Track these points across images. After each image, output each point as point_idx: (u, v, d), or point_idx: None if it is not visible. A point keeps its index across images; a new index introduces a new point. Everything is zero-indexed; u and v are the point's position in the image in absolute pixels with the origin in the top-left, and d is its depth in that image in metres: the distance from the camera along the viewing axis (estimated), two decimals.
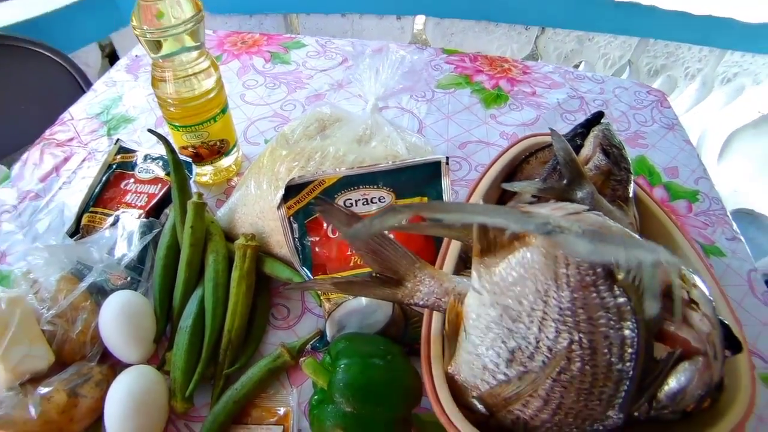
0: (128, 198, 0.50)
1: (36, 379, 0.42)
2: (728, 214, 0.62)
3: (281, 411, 0.42)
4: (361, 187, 0.41)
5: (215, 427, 0.40)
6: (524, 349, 0.30)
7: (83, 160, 0.58)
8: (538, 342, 0.30)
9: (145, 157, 0.52)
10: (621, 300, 0.27)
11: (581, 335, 0.28)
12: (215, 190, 0.54)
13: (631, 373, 0.30)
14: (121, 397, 0.40)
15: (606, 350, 0.29)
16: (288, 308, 0.46)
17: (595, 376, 0.30)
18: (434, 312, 0.36)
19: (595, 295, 0.27)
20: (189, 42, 0.45)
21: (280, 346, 0.42)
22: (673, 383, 0.33)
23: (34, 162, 0.58)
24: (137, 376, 0.41)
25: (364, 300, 0.40)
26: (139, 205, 0.49)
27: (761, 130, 1.05)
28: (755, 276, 0.55)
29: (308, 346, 0.43)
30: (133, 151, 0.53)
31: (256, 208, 0.46)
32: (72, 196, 0.54)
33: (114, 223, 0.49)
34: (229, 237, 0.48)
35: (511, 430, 0.34)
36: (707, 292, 0.34)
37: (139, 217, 0.48)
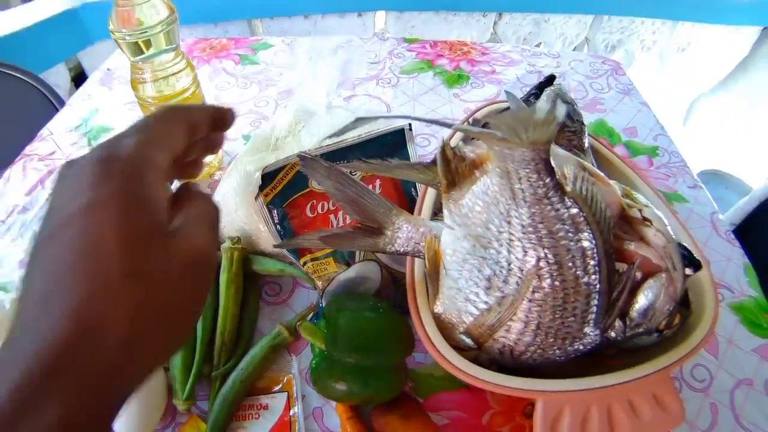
0: None
1: None
2: (688, 165, 0.67)
3: (284, 379, 0.44)
4: (337, 162, 0.45)
5: (224, 409, 0.42)
6: (499, 275, 0.34)
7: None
8: (509, 264, 0.33)
9: None
10: (574, 210, 0.31)
11: (546, 251, 0.32)
12: (199, 186, 0.57)
13: (598, 286, 0.34)
14: None
15: (570, 264, 0.33)
16: (280, 286, 0.49)
17: (566, 292, 0.34)
18: (415, 259, 0.39)
19: (549, 207, 0.31)
20: (166, 43, 0.48)
21: (278, 325, 0.45)
22: (641, 300, 0.37)
23: (17, 178, 0.60)
24: None
25: (352, 271, 0.43)
26: None
27: (719, 96, 1.12)
28: (717, 218, 0.60)
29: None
30: None
31: (240, 213, 0.48)
32: None
33: None
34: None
35: (501, 359, 0.37)
36: (657, 213, 0.38)
37: None
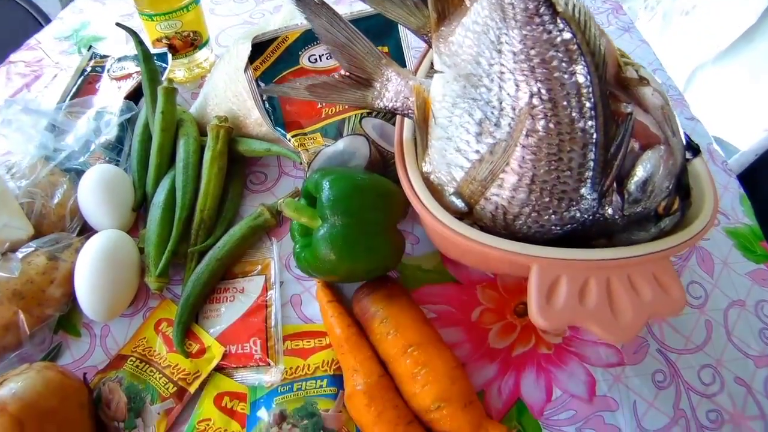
0: (101, 96, 0.53)
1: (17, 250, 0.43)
2: (686, 99, 0.67)
3: (263, 263, 0.43)
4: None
5: (198, 285, 0.41)
6: (490, 117, 0.33)
7: (54, 77, 0.60)
8: (501, 104, 0.33)
9: (119, 59, 0.55)
10: (567, 35, 0.30)
11: (539, 85, 0.32)
12: (190, 86, 0.57)
13: (594, 135, 0.33)
14: (91, 255, 0.41)
15: (565, 102, 0.32)
16: (265, 174, 0.48)
17: (561, 138, 0.33)
18: (405, 120, 0.39)
19: (541, 28, 0.30)
20: None
21: (260, 206, 0.44)
22: (640, 172, 0.36)
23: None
24: (108, 236, 0.42)
25: (341, 144, 0.43)
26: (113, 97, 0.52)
27: (721, 65, 1.11)
28: (713, 148, 0.61)
29: None
30: (106, 56, 0.56)
31: (228, 94, 0.48)
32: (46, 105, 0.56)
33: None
34: (204, 128, 0.50)
35: (494, 226, 0.36)
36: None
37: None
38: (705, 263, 0.50)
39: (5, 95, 0.59)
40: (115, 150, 0.48)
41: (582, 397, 0.42)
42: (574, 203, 0.35)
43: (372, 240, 0.36)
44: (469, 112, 0.34)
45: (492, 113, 0.33)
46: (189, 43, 0.55)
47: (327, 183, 0.37)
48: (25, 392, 0.35)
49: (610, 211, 0.36)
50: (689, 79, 1.12)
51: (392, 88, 0.36)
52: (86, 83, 0.55)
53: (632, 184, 0.36)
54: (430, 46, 0.36)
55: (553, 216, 0.35)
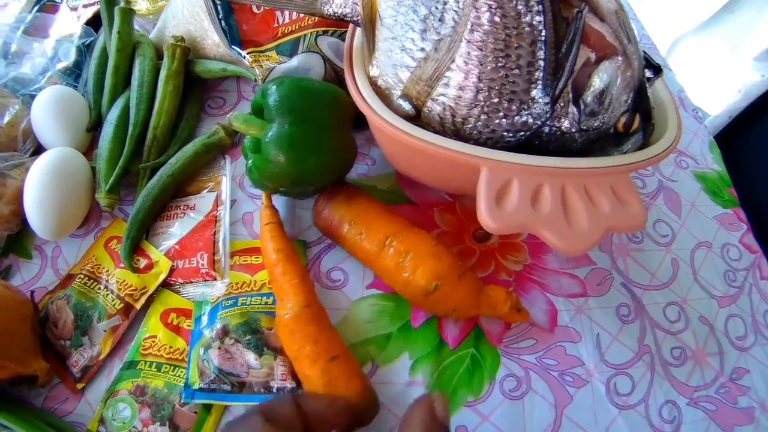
0: (59, 25, 0.53)
1: None
2: (657, 48, 0.67)
3: (214, 179, 0.44)
4: None
5: (149, 201, 0.42)
6: (434, 12, 0.34)
7: (5, 5, 0.60)
8: None
9: None
10: None
11: None
12: (153, 18, 0.57)
13: (543, 32, 0.33)
14: (41, 170, 0.42)
15: None
16: (224, 99, 0.49)
17: (507, 33, 0.33)
18: (356, 30, 0.39)
19: None
20: None
21: (216, 125, 0.45)
22: (596, 82, 0.36)
23: None
24: (59, 153, 0.43)
25: (295, 61, 0.43)
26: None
27: (702, 36, 1.10)
28: (684, 95, 0.61)
29: None
30: None
31: (186, 14, 0.49)
32: None
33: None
34: (162, 52, 0.51)
35: (442, 130, 0.36)
36: None
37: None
38: (672, 203, 0.51)
39: None
40: (72, 75, 0.49)
41: (543, 326, 0.42)
42: (525, 106, 0.35)
43: (320, 139, 0.37)
44: (413, 8, 0.34)
45: (436, 8, 0.33)
46: None
47: (273, 86, 0.37)
48: None
49: (566, 123, 0.36)
50: (670, 49, 1.12)
51: None
52: (44, 12, 0.55)
53: (588, 95, 0.36)
54: None
55: (504, 120, 0.35)
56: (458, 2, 0.33)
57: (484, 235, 0.45)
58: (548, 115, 0.35)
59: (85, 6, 0.54)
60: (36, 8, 0.55)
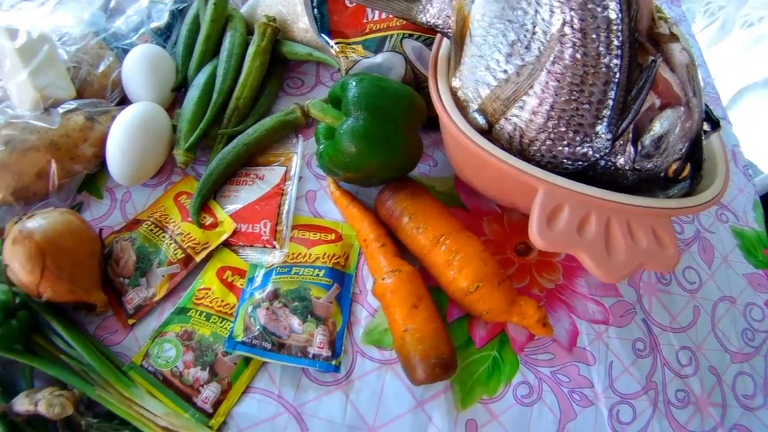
0: None
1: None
2: (720, 99, 0.70)
3: (285, 155, 0.48)
4: None
5: (223, 165, 0.47)
6: (522, 40, 0.38)
7: None
8: (534, 27, 0.37)
9: None
10: None
11: (572, 13, 0.36)
12: None
13: (618, 75, 0.37)
14: (127, 120, 0.47)
15: (594, 35, 0.36)
16: (302, 80, 0.54)
17: (586, 69, 0.37)
18: (443, 40, 0.43)
19: None
20: None
21: (293, 103, 0.49)
22: (656, 127, 0.40)
23: None
24: (145, 107, 0.48)
25: (379, 57, 0.48)
26: None
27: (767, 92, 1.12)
28: (738, 150, 0.65)
29: None
30: None
31: None
32: None
33: None
34: (252, 28, 0.55)
35: (509, 147, 0.40)
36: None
37: None
38: (706, 254, 0.54)
39: None
40: (163, 36, 0.54)
41: (563, 344, 0.46)
42: (588, 139, 0.39)
43: (391, 136, 0.41)
44: (503, 32, 0.38)
45: (525, 36, 0.37)
46: None
47: (353, 81, 0.42)
48: (48, 227, 0.41)
49: (621, 160, 0.40)
50: (733, 99, 1.14)
51: (436, 5, 0.41)
52: None
53: (647, 138, 0.40)
54: None
55: (566, 148, 0.39)
56: (546, 34, 0.37)
57: (524, 249, 0.49)
58: (607, 151, 0.39)
59: None
60: None
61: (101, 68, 0.50)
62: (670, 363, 0.48)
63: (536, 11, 0.37)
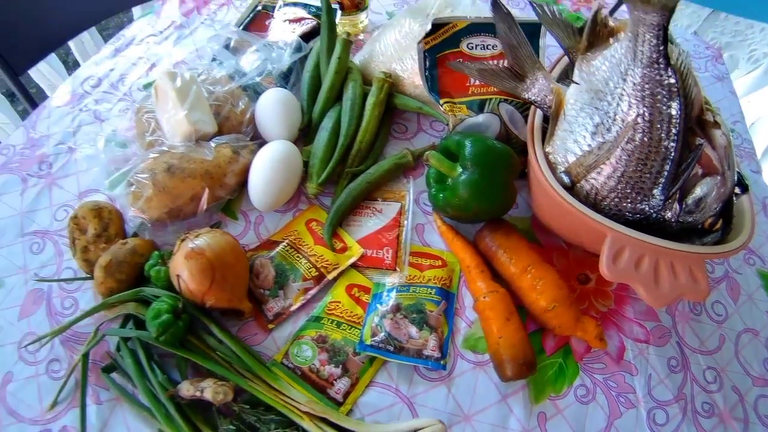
0: (274, 31, 0.77)
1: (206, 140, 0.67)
2: (756, 153, 0.91)
3: (399, 193, 0.67)
4: (481, 34, 0.68)
5: (350, 198, 0.65)
6: (605, 123, 0.57)
7: (222, 5, 0.84)
8: (615, 116, 0.57)
9: (285, 4, 0.79)
10: (672, 80, 0.54)
11: (645, 109, 0.55)
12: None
13: (673, 153, 0.57)
14: (269, 156, 0.65)
15: (659, 125, 0.56)
16: (406, 127, 0.73)
17: (650, 149, 0.56)
18: (537, 111, 0.63)
19: (656, 72, 0.54)
20: None
21: (405, 149, 0.69)
22: (698, 191, 0.59)
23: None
24: (284, 145, 0.66)
25: (481, 117, 0.67)
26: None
27: None
28: None
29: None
30: None
31: (392, 53, 0.73)
32: (208, 32, 0.80)
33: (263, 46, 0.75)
34: (364, 79, 0.74)
35: (585, 201, 0.60)
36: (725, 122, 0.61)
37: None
38: (732, 291, 0.73)
39: (181, 11, 0.83)
40: (284, 78, 0.72)
41: (613, 356, 0.66)
42: (646, 199, 0.58)
43: (496, 187, 0.60)
44: (591, 116, 0.58)
45: (607, 121, 0.57)
46: (355, 4, 0.80)
47: (469, 142, 0.61)
48: (215, 245, 0.58)
49: (669, 214, 0.60)
50: (766, 151, 1.34)
51: (538, 86, 0.60)
52: (257, 17, 0.78)
53: (690, 199, 0.59)
54: (571, 61, 0.60)
55: (629, 204, 0.59)
56: (623, 121, 0.56)
57: (585, 278, 0.69)
58: (659, 207, 0.59)
59: (295, 21, 0.77)
60: (252, 14, 0.78)
61: (240, 107, 0.69)
62: (698, 379, 0.67)
63: (618, 104, 0.56)
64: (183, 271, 0.57)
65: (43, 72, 1.25)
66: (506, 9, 0.60)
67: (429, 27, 0.66)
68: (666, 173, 0.57)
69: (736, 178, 0.61)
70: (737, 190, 0.63)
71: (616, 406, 0.62)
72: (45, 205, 0.72)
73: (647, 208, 0.58)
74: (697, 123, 0.60)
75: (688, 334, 0.69)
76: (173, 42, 0.81)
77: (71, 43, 1.21)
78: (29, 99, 0.98)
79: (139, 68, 0.82)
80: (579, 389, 0.63)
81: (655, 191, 0.58)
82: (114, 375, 0.60)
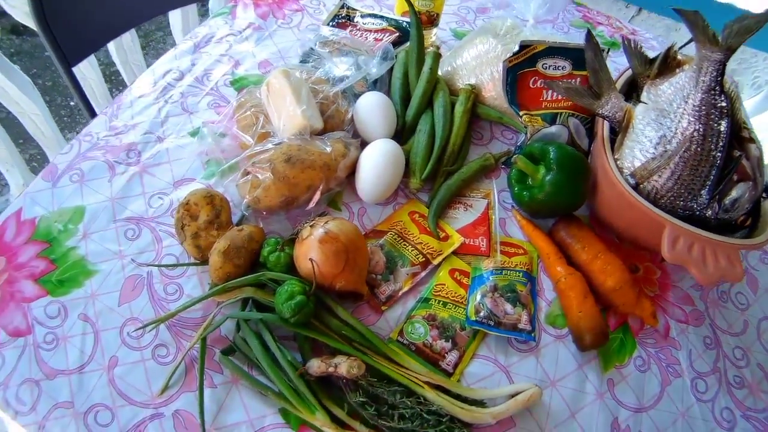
0: (355, 39, 1.03)
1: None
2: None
3: (485, 190, 0.96)
4: (555, 56, 0.98)
5: (448, 193, 0.92)
6: (667, 136, 0.88)
7: (296, 11, 1.08)
8: (676, 130, 0.88)
9: (362, 15, 1.05)
10: (723, 104, 0.86)
11: (700, 126, 0.87)
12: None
13: (719, 161, 0.89)
14: (377, 151, 0.90)
15: (710, 139, 0.87)
16: (482, 134, 1.02)
17: (702, 157, 0.88)
18: (605, 123, 0.93)
19: (712, 97, 0.86)
20: None
21: (487, 153, 0.97)
22: (734, 193, 0.91)
23: (245, 2, 1.08)
24: (389, 143, 0.92)
25: (554, 128, 0.96)
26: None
27: None
28: None
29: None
30: (355, 9, 1.06)
31: (473, 66, 1.01)
32: (287, 34, 1.04)
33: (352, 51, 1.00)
34: (450, 88, 1.01)
35: (647, 196, 0.90)
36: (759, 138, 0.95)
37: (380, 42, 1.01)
38: (752, 284, 1.05)
39: (257, 13, 1.08)
40: (373, 81, 0.98)
41: (661, 333, 0.96)
42: (695, 198, 0.89)
43: (574, 188, 0.89)
44: (655, 129, 0.88)
45: (668, 134, 0.88)
46: (431, 21, 1.07)
47: (553, 148, 0.90)
48: (346, 231, 0.81)
49: (710, 212, 0.91)
50: None
51: (611, 104, 0.90)
52: (338, 26, 1.04)
53: (727, 200, 0.91)
54: (639, 85, 0.92)
55: (681, 203, 0.90)
56: (682, 135, 0.87)
57: (635, 268, 0.99)
58: (704, 206, 0.90)
59: (378, 30, 1.03)
60: (333, 22, 1.04)
61: (344, 106, 0.94)
62: (728, 356, 0.96)
63: (678, 121, 0.87)
64: (316, 254, 0.77)
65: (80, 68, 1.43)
66: (596, 40, 0.90)
67: (516, 48, 0.95)
68: (713, 177, 0.88)
69: (765, 184, 0.94)
70: (765, 194, 0.95)
71: (667, 375, 0.90)
72: (137, 192, 0.92)
73: (695, 206, 0.89)
74: (735, 138, 0.92)
75: (719, 317, 0.99)
76: (254, 42, 1.05)
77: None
78: (79, 91, 1.17)
79: (224, 65, 1.05)
80: (637, 360, 0.90)
81: (702, 192, 0.88)
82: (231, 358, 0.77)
